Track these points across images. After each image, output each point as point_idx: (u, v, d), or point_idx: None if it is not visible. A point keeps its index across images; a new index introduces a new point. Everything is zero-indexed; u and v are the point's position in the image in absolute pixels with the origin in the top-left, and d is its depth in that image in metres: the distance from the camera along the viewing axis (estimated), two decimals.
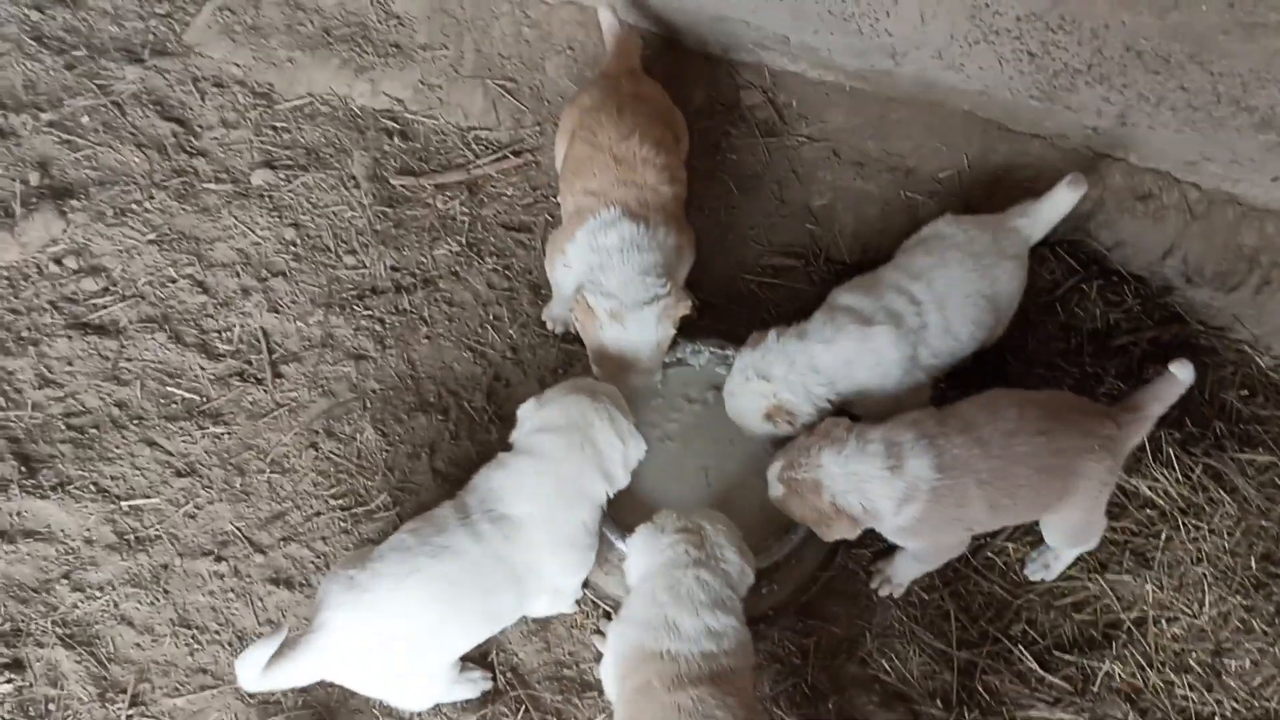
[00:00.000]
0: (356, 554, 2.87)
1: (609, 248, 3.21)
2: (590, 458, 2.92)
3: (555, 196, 3.85)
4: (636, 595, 2.82)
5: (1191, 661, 3.29)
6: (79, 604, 3.14)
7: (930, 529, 3.01)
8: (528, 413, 3.04)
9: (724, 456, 3.42)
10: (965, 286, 3.22)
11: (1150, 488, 3.47)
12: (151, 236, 3.67)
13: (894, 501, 2.91)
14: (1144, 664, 3.28)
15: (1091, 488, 3.04)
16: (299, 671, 2.69)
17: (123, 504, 3.27)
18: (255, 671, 2.62)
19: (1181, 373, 3.06)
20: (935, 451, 2.91)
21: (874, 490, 2.90)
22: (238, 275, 3.65)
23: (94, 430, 3.37)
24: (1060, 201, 3.31)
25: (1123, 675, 3.26)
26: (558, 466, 2.89)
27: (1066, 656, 3.29)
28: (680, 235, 3.34)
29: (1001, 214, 3.38)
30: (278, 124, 3.90)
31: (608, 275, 3.21)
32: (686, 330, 3.47)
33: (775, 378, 3.19)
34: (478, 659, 3.13)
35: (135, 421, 3.39)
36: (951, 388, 3.61)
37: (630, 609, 2.81)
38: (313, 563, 3.24)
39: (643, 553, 2.87)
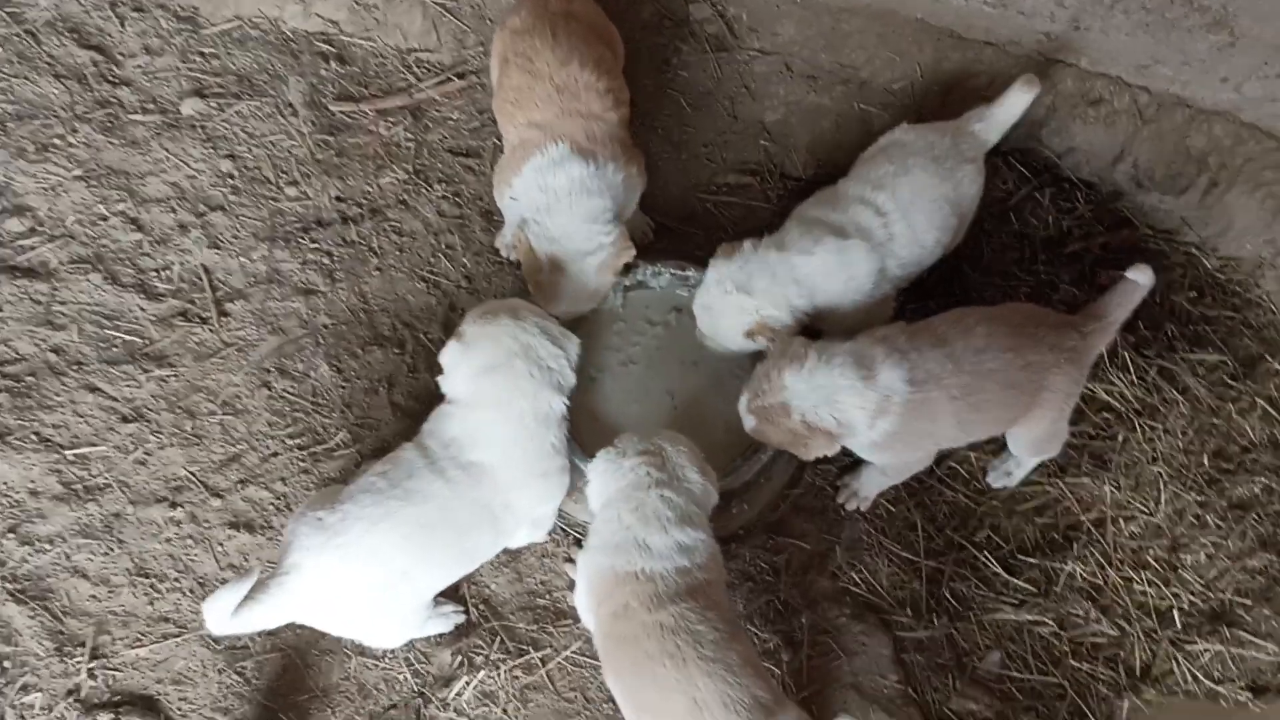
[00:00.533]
0: (323, 494, 2.80)
1: (557, 190, 3.11)
2: (540, 380, 2.86)
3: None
4: (601, 521, 2.79)
5: (1149, 558, 3.38)
6: (28, 558, 3.02)
7: (902, 444, 3.02)
8: (454, 359, 2.90)
9: (688, 378, 3.39)
10: (930, 192, 3.20)
11: (1107, 391, 3.52)
12: (78, 172, 3.48)
13: (867, 414, 2.90)
14: (1104, 563, 3.35)
15: (1057, 400, 3.06)
16: (268, 615, 2.63)
17: (67, 453, 3.14)
18: (224, 615, 2.56)
19: (1141, 277, 3.08)
20: (908, 365, 2.91)
21: (846, 401, 2.89)
22: (173, 211, 3.48)
23: (30, 378, 3.22)
24: (1015, 103, 3.28)
25: (1084, 574, 3.34)
26: (511, 407, 2.82)
27: (1029, 560, 3.35)
28: (630, 163, 3.24)
29: (958, 119, 3.34)
30: (205, 50, 3.70)
31: (553, 218, 3.13)
32: (645, 252, 3.41)
33: (758, 291, 3.14)
34: (449, 592, 3.08)
35: (75, 367, 3.24)
36: (910, 300, 3.61)
37: (597, 535, 2.78)
38: (273, 504, 3.15)
39: (604, 478, 2.83)
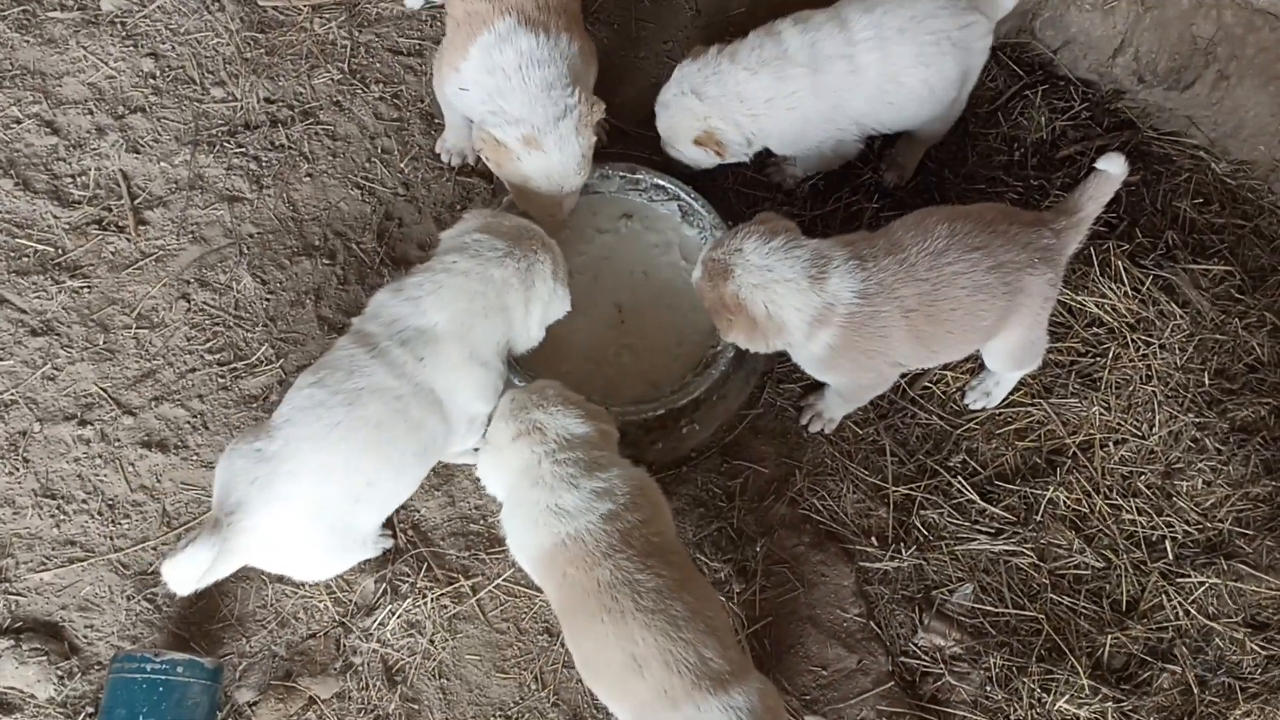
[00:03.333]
0: (253, 428, 2.56)
1: (507, 68, 2.85)
2: (521, 274, 2.64)
3: (442, 14, 3.47)
4: (509, 507, 2.58)
5: (1140, 485, 3.11)
6: None
7: (850, 362, 2.76)
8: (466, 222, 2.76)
9: (637, 289, 3.15)
10: (931, 25, 2.94)
11: (1097, 304, 3.23)
12: None
13: (804, 318, 2.65)
14: (1090, 490, 3.09)
15: (1033, 304, 2.78)
16: (225, 568, 2.43)
17: None
18: (193, 578, 2.38)
19: (1113, 167, 2.79)
20: (862, 274, 2.64)
21: (784, 295, 2.63)
22: (91, 113, 3.26)
23: None
24: None
25: (1068, 502, 3.07)
26: (487, 269, 2.60)
27: (1009, 486, 3.10)
28: (582, 39, 2.97)
29: None
30: None
31: (510, 99, 2.86)
32: (596, 157, 3.14)
33: (708, 98, 3.02)
34: None
35: None
36: (887, 209, 3.34)
37: (511, 522, 2.57)
38: (188, 423, 2.95)
39: (493, 474, 2.63)
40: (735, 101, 3.00)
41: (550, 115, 2.87)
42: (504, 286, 2.62)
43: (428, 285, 2.59)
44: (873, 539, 3.02)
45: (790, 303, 2.64)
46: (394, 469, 2.52)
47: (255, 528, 2.41)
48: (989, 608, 2.96)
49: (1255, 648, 2.94)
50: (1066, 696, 2.83)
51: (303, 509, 2.45)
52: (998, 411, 3.17)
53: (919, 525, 3.04)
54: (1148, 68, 3.40)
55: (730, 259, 2.66)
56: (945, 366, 3.17)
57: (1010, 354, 2.95)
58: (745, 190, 3.39)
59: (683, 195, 3.17)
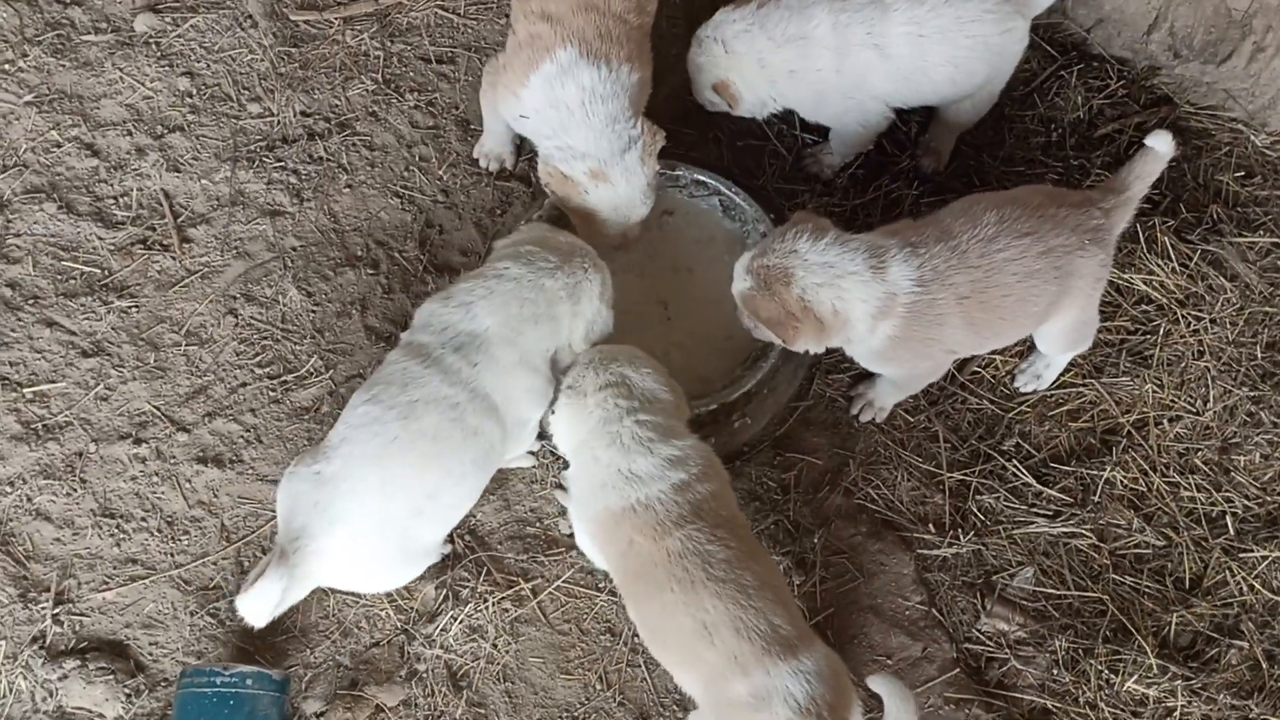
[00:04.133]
0: (310, 450, 2.56)
1: (570, 103, 2.85)
2: (570, 289, 2.65)
3: (474, 21, 3.49)
4: (579, 465, 2.57)
5: (1198, 461, 3.09)
6: None
7: (908, 352, 2.75)
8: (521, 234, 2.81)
9: (682, 285, 3.14)
10: (975, 29, 2.94)
11: (1145, 281, 3.21)
12: (29, 98, 3.28)
13: (869, 310, 2.63)
14: (1147, 468, 3.07)
15: (1085, 286, 2.77)
16: (296, 594, 2.46)
17: (25, 391, 2.96)
18: (269, 610, 2.39)
19: (1160, 145, 2.78)
20: (917, 262, 2.63)
21: (850, 289, 2.60)
22: (130, 134, 3.27)
23: None
24: None
25: (1124, 481, 3.05)
26: (539, 278, 2.61)
27: (1064, 468, 3.08)
28: (643, 69, 2.96)
29: None
30: None
31: (574, 134, 2.87)
32: None
33: (734, 52, 3.05)
34: None
35: (31, 302, 3.06)
36: (927, 195, 3.32)
37: (578, 481, 2.57)
38: (242, 437, 2.96)
39: (570, 422, 2.60)
40: (757, 66, 3.03)
41: (615, 148, 2.88)
42: (554, 298, 2.62)
43: (480, 290, 2.59)
44: (930, 526, 3.01)
45: (857, 295, 2.62)
46: (454, 479, 2.52)
47: (321, 551, 2.43)
48: (1051, 590, 2.94)
49: None
50: (1135, 676, 2.81)
51: (366, 528, 2.46)
52: (1049, 393, 3.15)
53: (975, 511, 3.02)
54: (1183, 42, 3.37)
55: (787, 262, 2.62)
56: (994, 350, 3.15)
57: (1063, 336, 2.93)
58: (784, 185, 3.38)
59: (723, 190, 3.16)
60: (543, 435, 2.94)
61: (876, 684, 2.20)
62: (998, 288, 2.64)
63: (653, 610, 2.40)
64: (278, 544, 2.45)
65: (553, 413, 2.65)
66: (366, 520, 2.44)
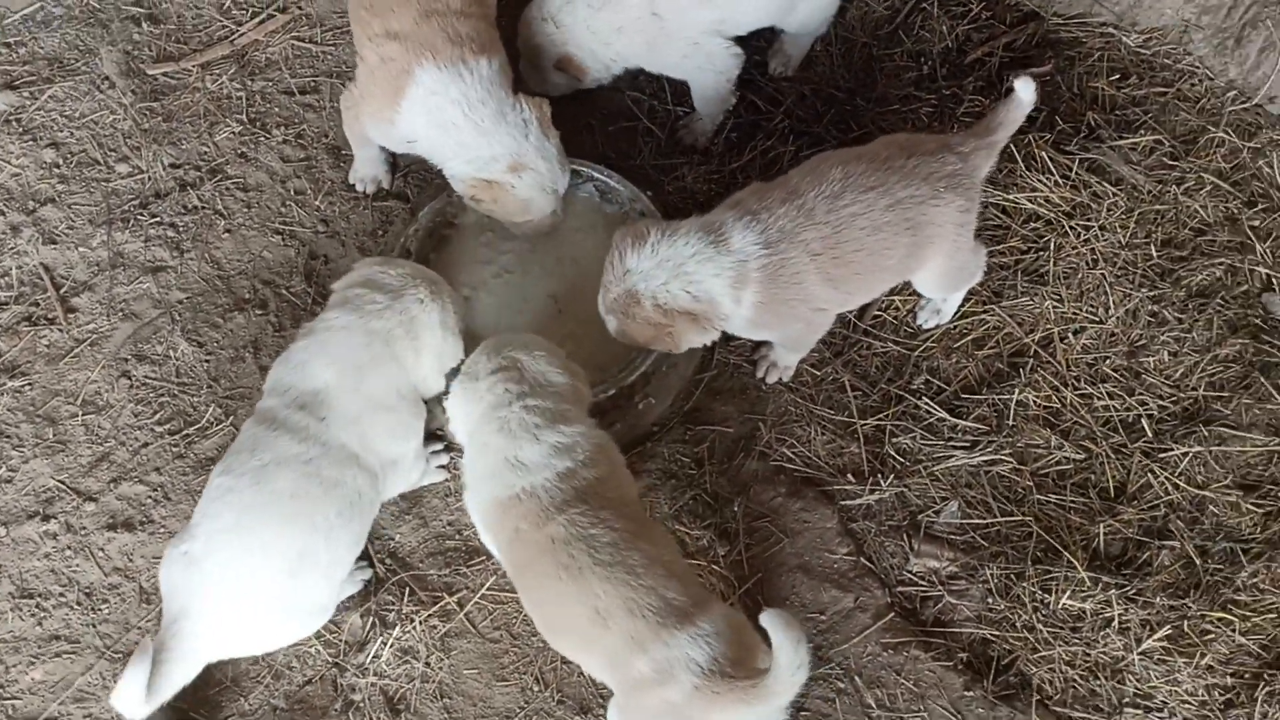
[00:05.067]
0: (181, 531, 2.55)
1: (453, 119, 2.85)
2: (405, 325, 2.62)
3: (332, 48, 3.47)
4: (470, 450, 2.56)
5: (1107, 369, 3.07)
6: None
7: (777, 316, 2.74)
8: (351, 275, 2.75)
9: (570, 277, 3.12)
10: None
11: (1030, 199, 3.20)
12: None
13: (726, 283, 2.63)
14: (1058, 384, 3.05)
15: (947, 232, 2.76)
16: (181, 676, 2.46)
17: None
18: (139, 699, 2.37)
19: (1024, 92, 2.76)
20: (759, 226, 2.63)
21: (698, 271, 2.61)
22: (2, 214, 3.26)
23: None
24: None
25: (1038, 401, 3.03)
26: (367, 322, 2.58)
27: (976, 397, 3.06)
28: (498, 53, 2.96)
29: None
30: (9, 40, 3.46)
31: (473, 144, 2.88)
32: None
33: (563, 25, 3.10)
34: None
35: None
36: (806, 148, 3.30)
37: (470, 468, 2.55)
38: (150, 498, 2.95)
39: (462, 405, 2.58)
40: (587, 32, 3.07)
41: (518, 136, 2.89)
42: (388, 337, 2.60)
43: (311, 347, 2.60)
44: (849, 476, 2.99)
45: (707, 272, 2.62)
46: (323, 534, 2.50)
47: (199, 631, 2.44)
48: (977, 520, 2.92)
49: (1250, 507, 2.89)
50: (1068, 593, 2.80)
51: (241, 599, 2.46)
52: (952, 326, 3.13)
53: (893, 453, 3.01)
54: None
55: (626, 283, 2.64)
56: (893, 291, 3.13)
57: (941, 280, 2.93)
58: (662, 160, 3.36)
59: (596, 175, 3.15)
60: (450, 447, 2.94)
61: (765, 620, 2.18)
62: (849, 243, 2.64)
63: (545, 600, 2.39)
64: (161, 630, 2.45)
65: (448, 396, 2.64)
66: (240, 591, 2.44)
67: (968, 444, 3.01)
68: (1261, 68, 3.33)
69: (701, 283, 2.63)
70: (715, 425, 3.05)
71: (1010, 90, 2.79)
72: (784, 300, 2.71)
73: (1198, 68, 3.44)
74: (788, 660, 2.11)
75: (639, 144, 3.37)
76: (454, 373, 2.69)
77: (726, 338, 3.12)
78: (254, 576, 2.44)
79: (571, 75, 3.12)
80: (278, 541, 2.44)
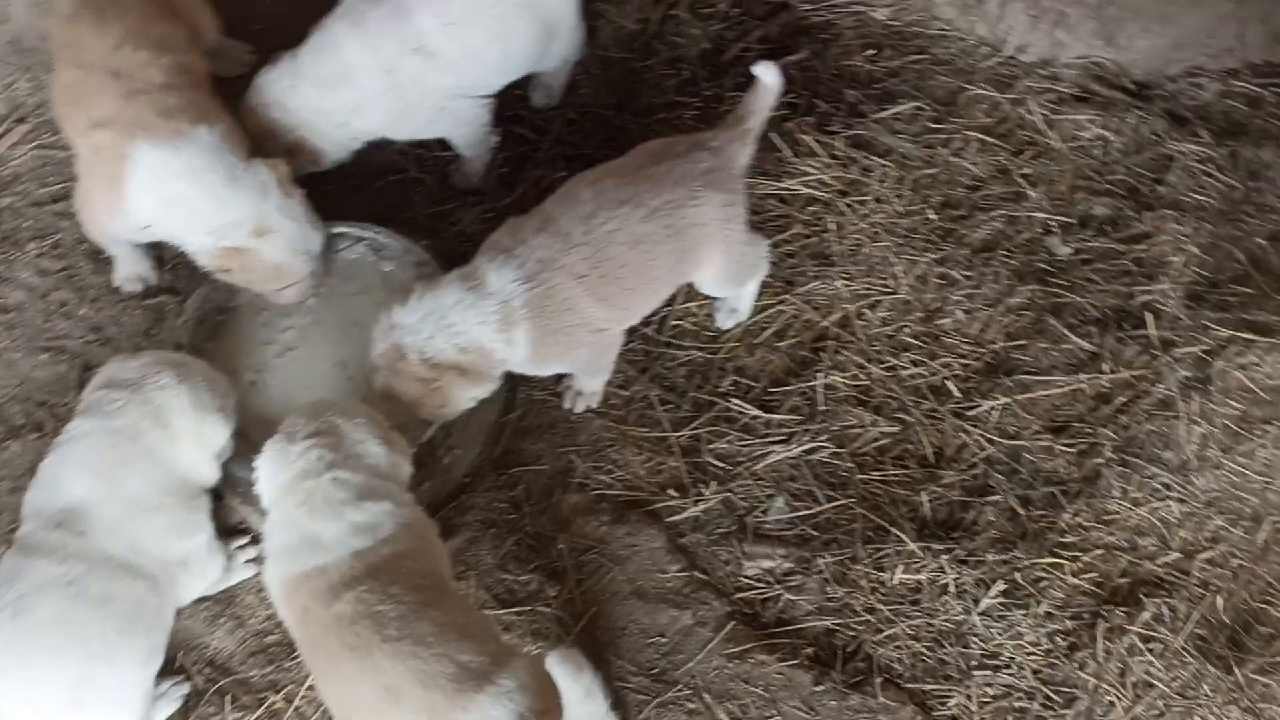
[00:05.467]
0: None
1: (182, 193, 2.74)
2: (151, 417, 2.48)
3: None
4: (273, 521, 2.43)
5: (907, 338, 3.08)
6: None
7: (559, 346, 2.69)
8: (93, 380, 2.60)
9: (356, 342, 2.99)
10: (496, 5, 2.90)
11: (804, 183, 3.20)
12: None
13: (494, 328, 2.57)
14: (863, 361, 3.05)
15: (715, 230, 2.74)
16: None
17: None
18: None
19: (767, 76, 2.77)
20: (516, 262, 2.58)
21: (461, 320, 2.55)
22: None
23: None
24: None
25: (845, 381, 3.02)
26: (108, 423, 2.44)
27: (786, 388, 3.04)
28: (221, 118, 2.85)
29: None
30: None
31: (210, 213, 2.76)
32: None
33: (292, 110, 2.93)
34: (163, 667, 2.68)
35: None
36: (575, 168, 3.25)
37: (270, 540, 2.42)
38: None
39: (271, 470, 2.45)
40: (319, 116, 2.94)
41: (255, 198, 2.77)
42: (135, 433, 2.46)
43: (59, 462, 2.46)
44: (671, 491, 2.93)
45: (471, 320, 2.56)
46: (104, 657, 2.33)
47: None
48: (805, 512, 2.89)
49: (1062, 449, 2.92)
50: (901, 567, 2.78)
51: None
52: (751, 322, 3.11)
53: (713, 460, 2.96)
54: None
55: (391, 338, 2.57)
56: (688, 298, 3.10)
57: (724, 279, 2.91)
58: (437, 208, 3.28)
59: (364, 234, 3.07)
60: (257, 540, 2.80)
61: (550, 666, 2.11)
62: (612, 259, 2.61)
63: (335, 682, 2.27)
64: None
65: (258, 456, 2.51)
66: None
67: (784, 437, 2.98)
68: (1005, 20, 3.41)
69: (466, 332, 2.57)
70: (529, 465, 2.97)
71: (754, 78, 2.80)
72: (559, 330, 2.66)
73: (948, 30, 3.51)
74: (573, 692, 2.04)
75: (410, 195, 3.30)
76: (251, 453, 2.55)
77: (526, 377, 3.06)
78: (32, 713, 2.26)
79: (305, 160, 2.98)
80: (52, 675, 2.27)
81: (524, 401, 3.05)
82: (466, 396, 2.67)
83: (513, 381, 3.05)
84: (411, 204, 3.29)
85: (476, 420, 2.96)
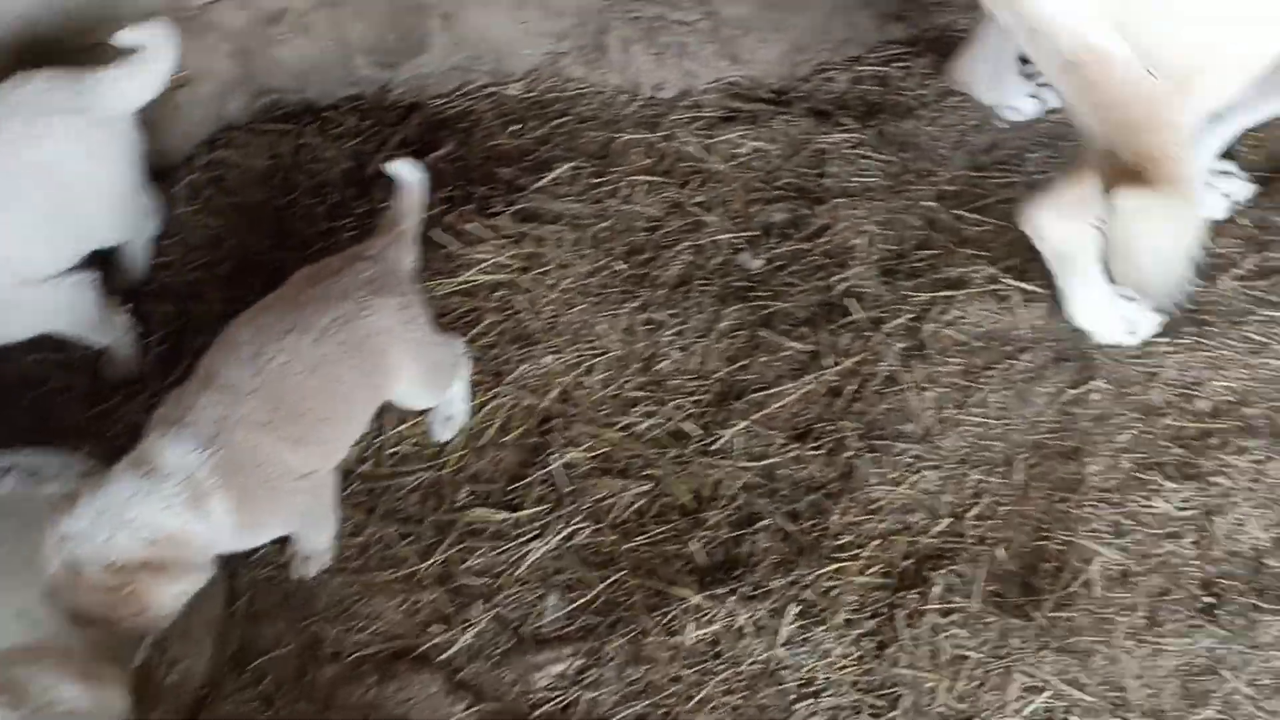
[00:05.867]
0: None
1: None
2: None
3: None
4: None
5: (632, 392, 2.96)
6: None
7: (265, 506, 2.42)
8: None
9: (34, 585, 2.61)
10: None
11: (481, 271, 3.07)
12: None
13: (183, 507, 2.26)
14: (594, 429, 2.90)
15: (398, 337, 2.56)
16: None
17: None
18: None
19: (405, 172, 2.68)
20: (189, 431, 2.31)
21: (143, 511, 2.23)
22: None
23: None
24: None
25: (583, 456, 2.86)
26: None
27: (525, 481, 2.84)
28: None
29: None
30: None
31: None
32: None
33: None
34: None
35: None
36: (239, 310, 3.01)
37: None
38: None
39: None
40: None
41: None
42: None
43: None
44: (435, 627, 2.66)
45: (155, 507, 2.24)
46: None
47: None
48: (581, 601, 2.68)
49: (811, 453, 2.84)
50: (693, 624, 2.60)
51: None
52: (470, 425, 2.91)
53: (470, 581, 2.72)
54: (381, 55, 3.32)
55: (62, 553, 2.22)
56: (399, 421, 2.88)
57: (425, 386, 2.73)
58: (95, 408, 2.96)
59: (8, 461, 2.72)
60: None
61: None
62: (292, 394, 2.39)
63: None
64: None
65: None
66: None
67: (538, 531, 2.77)
68: (631, 65, 3.45)
69: (151, 522, 2.24)
70: (270, 652, 2.63)
71: (396, 180, 2.68)
72: (259, 487, 2.38)
73: (584, 88, 3.51)
74: None
75: (61, 403, 2.96)
76: None
77: (243, 556, 2.75)
78: None
79: None
80: None
81: (248, 585, 2.73)
82: (170, 595, 2.32)
83: (232, 567, 2.73)
84: (66, 413, 2.94)
85: (198, 621, 2.60)
